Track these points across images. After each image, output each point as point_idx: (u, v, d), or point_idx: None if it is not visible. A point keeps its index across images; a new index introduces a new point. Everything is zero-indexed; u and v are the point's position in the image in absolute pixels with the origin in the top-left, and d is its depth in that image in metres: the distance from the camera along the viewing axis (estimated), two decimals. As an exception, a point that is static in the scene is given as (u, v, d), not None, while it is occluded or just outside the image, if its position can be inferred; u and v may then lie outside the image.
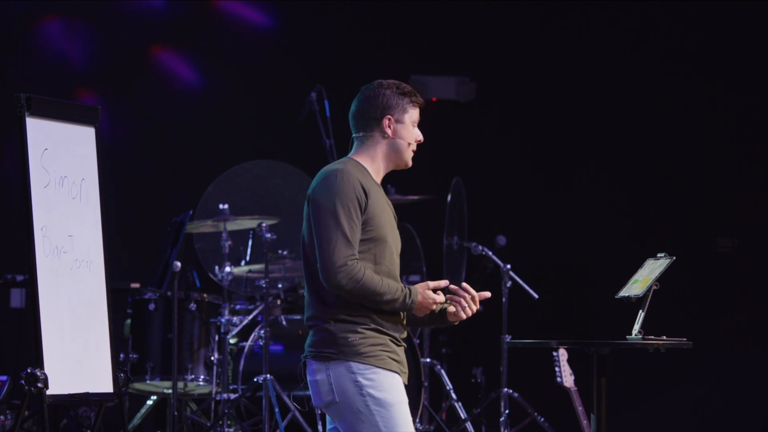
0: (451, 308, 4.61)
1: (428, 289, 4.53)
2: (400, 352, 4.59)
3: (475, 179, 9.69)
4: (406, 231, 9.31)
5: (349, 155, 4.67)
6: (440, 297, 4.55)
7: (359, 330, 4.49)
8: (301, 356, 4.62)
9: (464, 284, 4.62)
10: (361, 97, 4.68)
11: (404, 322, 4.63)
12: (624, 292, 4.85)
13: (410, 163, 4.69)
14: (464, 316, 4.62)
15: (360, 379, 4.47)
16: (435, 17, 10.50)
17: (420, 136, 4.69)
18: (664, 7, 10.15)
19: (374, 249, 4.54)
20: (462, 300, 4.59)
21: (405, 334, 4.64)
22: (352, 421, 4.48)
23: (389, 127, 4.63)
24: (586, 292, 10.14)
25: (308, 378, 4.57)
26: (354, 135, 4.69)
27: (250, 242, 9.18)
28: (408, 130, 4.65)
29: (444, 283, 4.56)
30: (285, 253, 8.98)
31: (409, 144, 4.65)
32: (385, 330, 4.53)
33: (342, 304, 4.50)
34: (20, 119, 5.41)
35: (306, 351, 4.57)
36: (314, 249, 4.51)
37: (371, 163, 4.64)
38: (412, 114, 4.66)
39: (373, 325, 4.51)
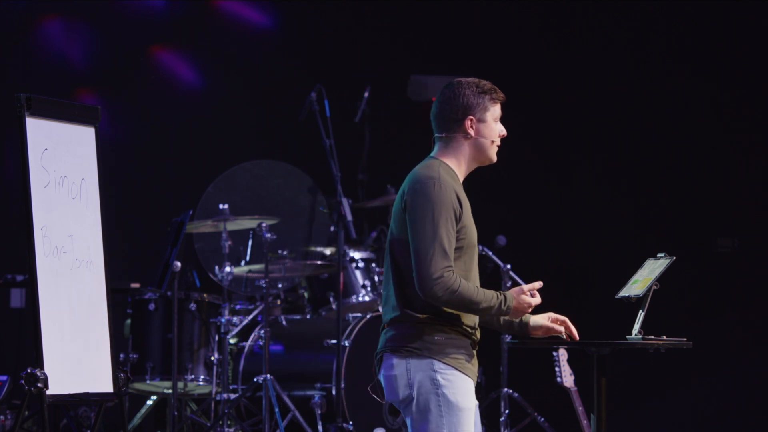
0: (560, 328, 4.72)
1: (523, 293, 4.55)
2: (475, 357, 4.62)
3: (475, 179, 9.67)
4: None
5: (435, 155, 4.67)
6: (536, 300, 4.56)
7: (446, 330, 4.52)
8: (375, 352, 4.62)
9: (568, 321, 4.75)
10: (441, 98, 4.67)
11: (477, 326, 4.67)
12: (624, 292, 4.84)
13: (495, 159, 4.72)
14: (559, 329, 4.76)
15: (439, 378, 4.49)
16: (435, 17, 10.50)
17: (503, 131, 4.69)
18: (664, 7, 10.15)
19: (464, 256, 4.58)
20: (564, 327, 4.75)
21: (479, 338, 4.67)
22: (419, 419, 4.50)
23: (471, 127, 4.64)
24: (586, 292, 10.14)
25: (383, 372, 4.56)
26: (436, 135, 4.69)
27: (250, 242, 9.18)
28: (490, 128, 4.65)
29: (538, 284, 4.58)
30: (285, 253, 8.97)
31: (493, 141, 4.66)
32: (467, 334, 4.57)
33: (429, 311, 4.51)
34: (20, 119, 5.40)
35: (383, 346, 4.57)
36: (406, 253, 4.51)
37: (457, 165, 4.67)
38: (494, 111, 4.66)
39: (458, 329, 4.54)
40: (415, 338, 4.49)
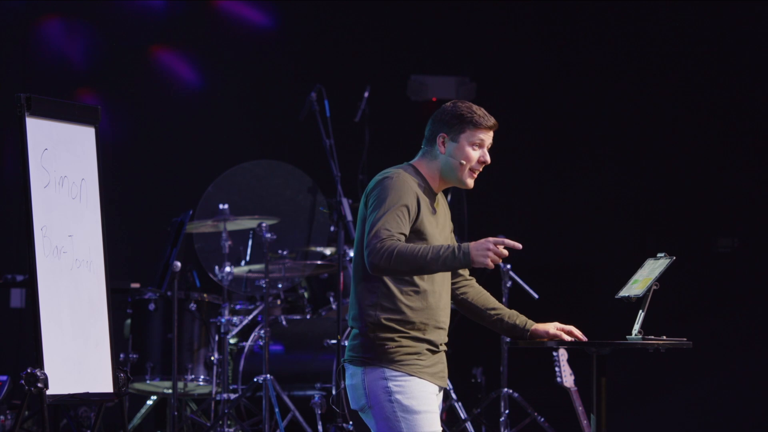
0: (566, 337, 4.73)
1: (486, 240, 4.43)
2: (438, 359, 4.63)
3: (476, 179, 9.68)
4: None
5: (411, 161, 4.72)
6: (503, 250, 4.42)
7: (396, 338, 4.54)
8: (341, 360, 4.68)
9: (575, 330, 4.75)
10: (433, 114, 4.75)
11: (446, 327, 4.65)
12: (624, 292, 4.84)
13: (469, 184, 4.70)
14: (567, 338, 4.76)
15: (390, 385, 4.53)
16: (435, 17, 10.50)
17: (484, 157, 4.66)
18: (664, 7, 10.15)
19: None
20: (570, 336, 4.74)
21: (446, 339, 4.67)
22: (381, 427, 4.55)
23: (443, 144, 4.66)
24: (586, 292, 10.14)
25: (346, 381, 4.63)
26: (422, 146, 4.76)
27: (250, 242, 9.18)
28: (462, 150, 4.65)
29: (509, 243, 4.46)
30: (285, 253, 8.98)
31: (463, 164, 4.65)
32: (422, 337, 4.58)
33: (381, 309, 4.55)
34: (20, 119, 5.40)
35: (346, 355, 4.64)
36: (360, 257, 4.55)
37: (429, 175, 4.68)
38: (471, 135, 4.64)
39: (412, 333, 4.56)
40: (368, 348, 4.55)
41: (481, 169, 4.70)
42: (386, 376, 4.53)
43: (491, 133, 4.69)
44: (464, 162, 4.65)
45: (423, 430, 4.53)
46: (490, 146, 4.71)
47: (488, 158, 4.69)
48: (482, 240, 4.42)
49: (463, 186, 4.71)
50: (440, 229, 4.67)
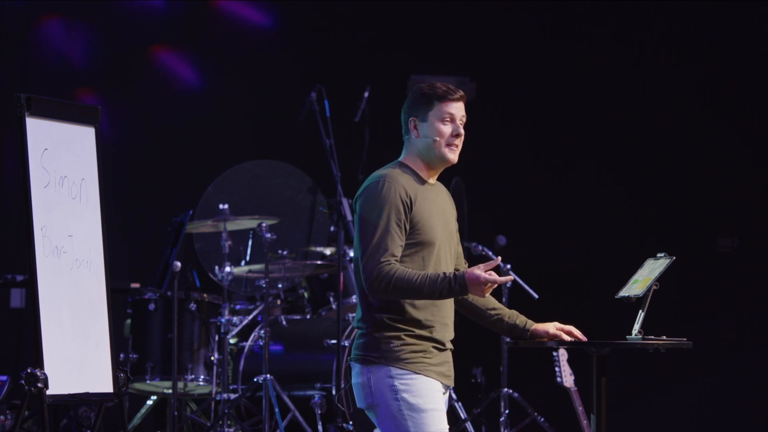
0: (566, 337, 4.71)
1: (478, 269, 4.45)
2: (444, 357, 4.64)
3: (475, 179, 9.68)
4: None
5: (399, 158, 4.73)
6: (494, 276, 4.45)
7: (402, 336, 4.55)
8: (347, 358, 4.69)
9: (575, 331, 4.73)
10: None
11: (450, 324, 4.65)
12: (624, 292, 4.84)
13: (450, 158, 4.66)
14: (567, 338, 4.75)
15: (396, 383, 4.53)
16: (435, 17, 10.50)
17: (457, 130, 4.64)
18: (664, 7, 10.16)
19: (422, 252, 4.58)
20: (569, 336, 4.73)
21: (452, 336, 4.67)
22: (387, 426, 4.56)
23: (415, 128, 4.69)
24: (586, 292, 10.14)
25: (352, 380, 4.64)
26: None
27: (250, 242, 9.18)
28: (432, 127, 4.65)
29: (496, 262, 4.50)
30: (285, 253, 8.98)
31: (436, 140, 4.64)
32: (428, 335, 4.58)
33: (386, 309, 4.56)
34: (20, 119, 5.40)
35: (352, 354, 4.65)
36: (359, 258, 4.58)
37: (415, 165, 4.69)
38: (438, 111, 4.65)
39: (417, 332, 4.56)
40: (373, 347, 4.55)
41: (458, 143, 4.67)
42: (392, 374, 4.53)
43: (460, 105, 4.68)
44: (438, 138, 4.65)
45: (430, 428, 4.53)
46: (464, 120, 4.69)
47: (461, 131, 4.67)
48: (475, 275, 4.42)
49: (446, 162, 4.68)
50: (442, 222, 4.66)
